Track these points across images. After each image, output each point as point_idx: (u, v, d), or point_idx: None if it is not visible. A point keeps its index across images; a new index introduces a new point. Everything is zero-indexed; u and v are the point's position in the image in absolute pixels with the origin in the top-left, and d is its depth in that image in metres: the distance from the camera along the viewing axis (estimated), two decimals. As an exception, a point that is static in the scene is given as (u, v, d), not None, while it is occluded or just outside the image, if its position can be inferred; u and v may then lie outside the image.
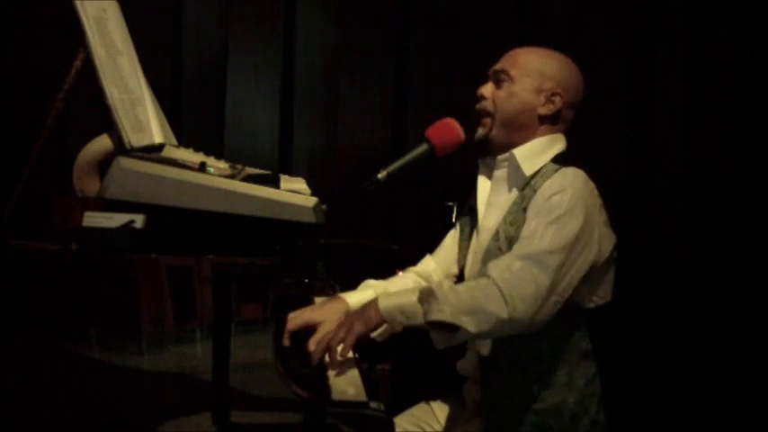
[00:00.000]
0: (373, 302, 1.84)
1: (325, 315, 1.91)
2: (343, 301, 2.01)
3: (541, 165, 1.97)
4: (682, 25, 2.93)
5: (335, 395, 1.71)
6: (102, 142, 1.89)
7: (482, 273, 1.89)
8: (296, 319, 1.90)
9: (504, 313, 1.76)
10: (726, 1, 2.88)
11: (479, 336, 1.82)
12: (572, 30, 3.03)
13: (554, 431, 1.91)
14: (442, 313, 1.77)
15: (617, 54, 3.00)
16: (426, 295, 1.80)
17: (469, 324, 1.77)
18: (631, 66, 3.00)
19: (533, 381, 1.91)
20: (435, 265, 2.24)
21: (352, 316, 1.85)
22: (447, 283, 1.86)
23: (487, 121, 2.02)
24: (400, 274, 2.26)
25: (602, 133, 2.98)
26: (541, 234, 1.83)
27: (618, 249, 2.00)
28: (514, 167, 1.98)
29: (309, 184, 2.03)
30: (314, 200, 1.79)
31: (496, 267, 1.82)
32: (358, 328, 1.80)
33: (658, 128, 2.96)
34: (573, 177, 1.90)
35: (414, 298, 1.82)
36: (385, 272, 2.30)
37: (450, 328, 1.79)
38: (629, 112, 3.00)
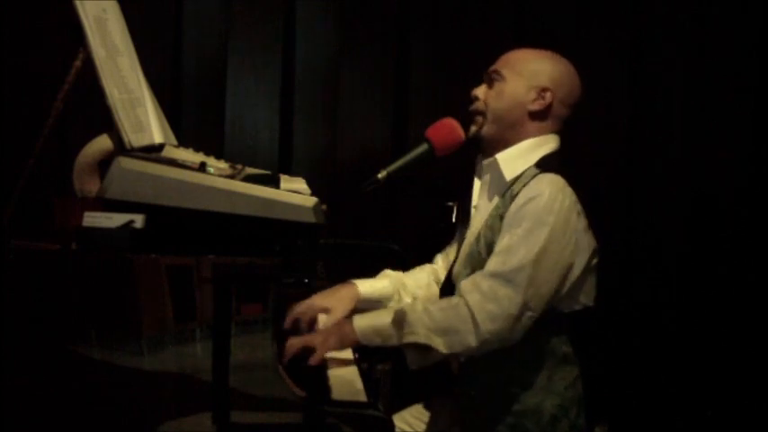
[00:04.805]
0: (349, 321, 1.87)
1: (333, 302, 1.99)
2: (354, 287, 2.05)
3: (524, 168, 1.95)
4: (682, 25, 2.93)
5: (335, 395, 1.72)
6: (102, 142, 1.89)
7: (463, 276, 1.93)
8: (304, 303, 1.97)
9: (472, 339, 1.80)
10: (726, 1, 2.87)
11: (452, 355, 1.86)
12: (572, 30, 3.03)
13: None
14: (415, 335, 1.81)
15: (617, 54, 3.00)
16: (400, 318, 1.84)
17: (441, 345, 1.81)
18: (631, 66, 3.00)
19: (511, 383, 1.92)
20: (441, 263, 2.24)
21: (330, 331, 1.88)
22: (420, 304, 1.89)
23: (479, 119, 2.02)
24: (419, 268, 2.27)
25: (602, 133, 2.98)
26: (515, 250, 1.83)
27: (599, 255, 1.96)
28: (497, 172, 1.98)
29: (309, 184, 2.03)
30: (314, 200, 1.79)
31: (467, 286, 1.85)
32: (332, 343, 1.84)
33: (658, 128, 2.96)
34: (548, 184, 1.87)
35: (388, 320, 1.84)
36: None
37: (424, 347, 1.82)
38: (630, 113, 3.00)
